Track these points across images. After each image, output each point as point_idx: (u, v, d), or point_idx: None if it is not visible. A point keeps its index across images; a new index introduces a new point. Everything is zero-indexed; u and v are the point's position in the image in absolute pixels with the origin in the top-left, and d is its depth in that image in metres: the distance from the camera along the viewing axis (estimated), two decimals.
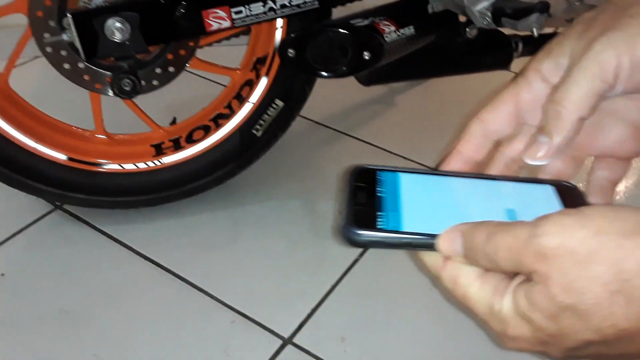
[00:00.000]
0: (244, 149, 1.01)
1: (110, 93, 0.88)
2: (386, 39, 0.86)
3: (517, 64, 1.46)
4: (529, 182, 0.42)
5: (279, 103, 0.98)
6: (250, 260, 0.98)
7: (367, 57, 0.85)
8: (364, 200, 0.41)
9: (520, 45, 1.04)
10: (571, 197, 0.40)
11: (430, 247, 0.38)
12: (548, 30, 1.08)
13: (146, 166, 0.98)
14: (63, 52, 0.86)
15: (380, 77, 1.03)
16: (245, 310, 0.91)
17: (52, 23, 0.84)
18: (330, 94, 1.32)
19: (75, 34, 0.79)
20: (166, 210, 1.04)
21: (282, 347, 0.86)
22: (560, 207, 0.40)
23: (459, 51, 1.02)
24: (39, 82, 1.30)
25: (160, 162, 0.98)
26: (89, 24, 0.79)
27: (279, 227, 1.04)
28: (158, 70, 0.90)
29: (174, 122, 1.04)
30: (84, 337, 0.86)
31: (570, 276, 0.30)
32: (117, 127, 1.02)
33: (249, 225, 1.04)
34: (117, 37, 0.79)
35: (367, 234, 0.39)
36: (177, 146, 0.99)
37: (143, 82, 0.89)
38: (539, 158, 0.39)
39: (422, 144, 1.24)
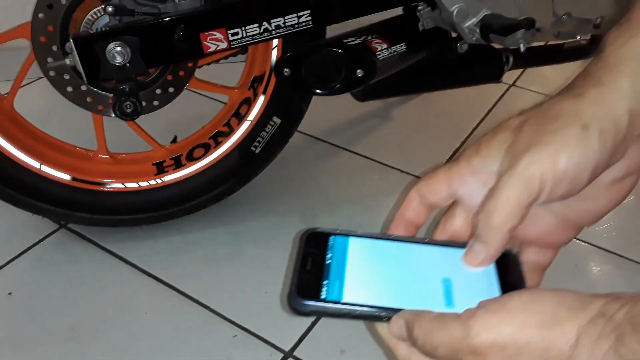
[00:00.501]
0: (243, 166, 1.03)
1: (113, 115, 0.91)
2: (379, 56, 0.88)
3: (508, 75, 1.48)
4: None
5: (277, 120, 1.01)
6: (252, 275, 1.00)
7: (360, 75, 0.88)
8: (312, 267, 0.43)
9: (511, 59, 1.06)
10: (506, 263, 0.43)
11: (375, 319, 0.40)
12: (538, 43, 1.11)
13: (148, 184, 1.00)
14: (66, 76, 0.89)
15: (375, 93, 1.05)
16: (247, 325, 0.92)
17: (54, 48, 0.86)
18: (328, 109, 1.34)
19: (77, 58, 0.81)
20: (168, 227, 1.06)
21: None
22: (495, 274, 0.42)
23: (451, 66, 1.05)
24: (42, 102, 1.33)
25: (162, 180, 1.01)
26: (91, 48, 0.81)
27: (279, 242, 1.06)
28: (158, 91, 0.93)
29: (174, 140, 1.06)
30: (91, 353, 0.88)
31: None
32: (120, 147, 1.04)
33: (249, 240, 1.06)
34: (118, 60, 0.82)
35: (310, 304, 0.40)
36: (178, 164, 1.02)
37: (144, 103, 0.92)
38: (477, 265, 0.42)
39: (418, 156, 1.26)
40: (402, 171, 1.22)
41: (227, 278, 0.99)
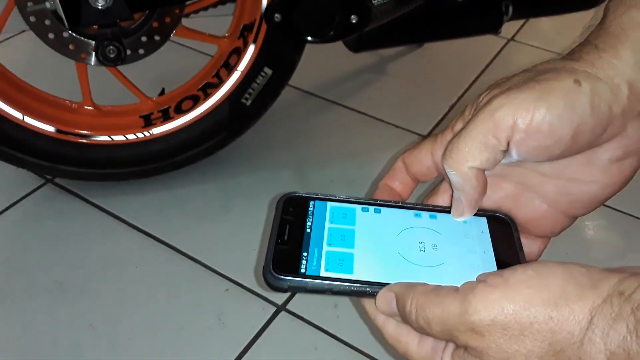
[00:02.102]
0: (234, 119, 1.00)
1: (96, 61, 0.87)
2: (374, 2, 0.85)
3: (507, 30, 1.45)
4: None
5: (268, 71, 0.97)
6: (243, 230, 0.98)
7: (354, 21, 0.85)
8: (290, 237, 0.40)
9: (511, 9, 1.03)
10: (501, 230, 0.40)
11: (361, 294, 0.37)
12: None
13: (135, 137, 0.97)
14: (47, 21, 0.85)
15: (369, 43, 1.02)
16: (239, 279, 0.91)
17: None
18: (321, 63, 1.31)
19: (57, 1, 0.78)
20: (157, 181, 1.03)
21: (275, 314, 0.86)
22: (489, 242, 0.40)
23: (449, 15, 1.01)
24: (25, 55, 1.29)
25: (149, 133, 0.98)
26: None
27: (270, 197, 1.04)
28: (144, 39, 0.89)
29: (162, 92, 1.03)
30: (79, 308, 0.86)
31: (507, 351, 0.31)
32: (106, 99, 1.01)
33: (240, 195, 1.04)
34: (100, 3, 0.78)
35: (287, 279, 0.37)
36: (166, 117, 0.99)
37: (129, 51, 0.88)
38: (462, 214, 0.40)
39: (414, 112, 1.23)
40: (396, 126, 1.19)
41: (217, 233, 0.97)
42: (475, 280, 0.34)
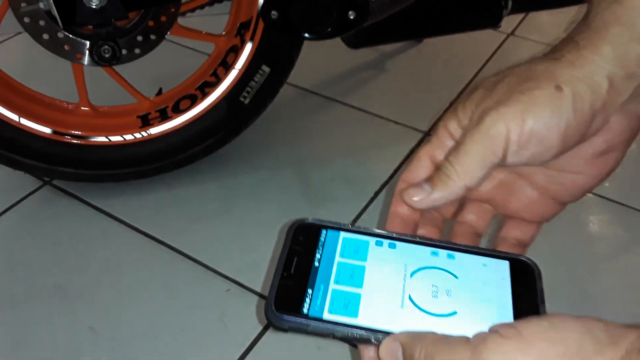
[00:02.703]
0: (232, 117, 0.99)
1: (91, 61, 0.86)
2: None
3: (507, 24, 1.44)
4: (481, 255, 0.39)
5: (266, 69, 0.96)
6: (244, 230, 0.97)
7: (352, 17, 0.84)
8: (297, 271, 0.37)
9: (510, 3, 1.02)
10: (524, 278, 0.38)
11: (366, 342, 0.35)
12: None
13: (133, 138, 0.97)
14: (41, 22, 0.84)
15: (368, 39, 1.01)
16: (240, 279, 0.90)
17: None
18: (320, 61, 1.30)
19: (51, 1, 0.77)
20: (156, 182, 1.02)
21: None
22: (509, 288, 0.37)
23: (448, 10, 1.00)
24: (21, 57, 1.28)
25: (147, 133, 0.97)
26: None
27: (270, 196, 1.03)
28: (139, 38, 0.88)
29: (160, 92, 1.02)
30: (79, 311, 0.85)
31: None
32: (103, 100, 1.00)
33: (240, 194, 1.03)
34: (95, 3, 0.77)
35: (289, 319, 0.35)
36: (164, 116, 0.98)
37: (125, 51, 0.87)
38: (413, 201, 0.39)
39: (414, 108, 1.22)
40: (397, 123, 1.18)
41: (218, 233, 0.97)
42: (487, 331, 0.32)
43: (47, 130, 0.93)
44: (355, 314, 0.35)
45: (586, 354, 0.29)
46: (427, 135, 1.16)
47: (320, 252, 0.39)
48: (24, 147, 0.92)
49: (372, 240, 0.39)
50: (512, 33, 1.45)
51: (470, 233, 0.43)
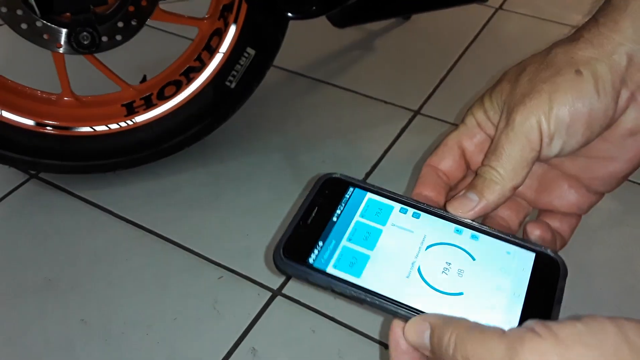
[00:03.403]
0: (219, 102, 0.97)
1: (70, 49, 0.84)
2: None
3: None
4: (507, 242, 0.38)
5: (251, 51, 0.95)
6: (235, 216, 0.96)
7: None
8: (314, 221, 0.37)
9: None
10: (545, 273, 0.36)
11: (359, 301, 0.35)
12: None
13: (119, 127, 0.95)
14: (19, 11, 0.82)
15: (354, 18, 0.99)
16: (233, 266, 0.89)
17: None
18: (307, 42, 1.28)
19: None
20: (144, 171, 1.01)
21: (272, 299, 0.85)
22: (526, 279, 0.36)
23: None
24: (1, 49, 1.25)
25: (133, 121, 0.95)
26: None
27: (261, 181, 1.02)
28: (120, 24, 0.86)
29: (144, 79, 1.00)
30: (71, 304, 0.84)
31: None
32: (86, 90, 0.98)
33: (230, 181, 1.02)
34: None
35: (293, 265, 0.36)
36: (148, 104, 0.96)
37: (105, 38, 0.85)
38: (463, 214, 0.38)
39: (403, 86, 1.21)
40: (386, 102, 1.17)
41: (208, 220, 0.95)
42: (522, 327, 0.31)
43: (30, 122, 0.91)
44: (358, 274, 0.35)
45: None
46: (417, 114, 1.14)
47: (342, 208, 0.39)
48: (7, 140, 0.90)
49: (397, 206, 0.39)
50: (500, 7, 1.43)
51: (501, 227, 0.41)
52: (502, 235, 0.38)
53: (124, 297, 0.85)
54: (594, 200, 0.42)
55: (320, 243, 0.37)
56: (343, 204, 0.39)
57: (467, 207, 0.38)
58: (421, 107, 1.16)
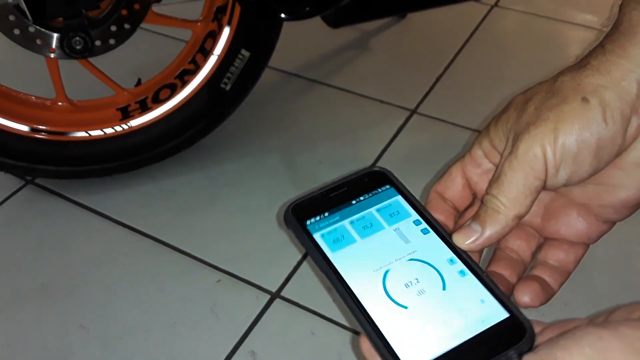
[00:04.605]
0: (214, 105, 0.97)
1: (63, 54, 0.84)
2: None
3: None
4: (492, 293, 0.35)
5: (245, 53, 0.94)
6: (232, 219, 0.96)
7: None
8: (336, 197, 0.40)
9: None
10: (505, 336, 0.34)
11: (320, 270, 0.37)
12: None
13: (114, 131, 0.95)
14: (11, 17, 0.82)
15: (348, 17, 0.99)
16: (231, 269, 0.89)
17: None
18: (302, 43, 1.27)
19: None
20: (141, 175, 1.01)
21: (270, 302, 0.84)
22: (474, 332, 0.34)
23: None
24: None
25: (128, 125, 0.95)
26: None
27: (258, 183, 1.01)
28: (113, 28, 0.86)
29: (138, 83, 1.00)
30: (68, 310, 0.84)
31: None
32: (81, 94, 0.98)
33: (227, 183, 1.02)
34: None
35: (292, 221, 0.39)
36: (144, 107, 0.96)
37: (99, 42, 0.85)
38: (466, 245, 0.38)
39: (400, 86, 1.20)
40: (383, 102, 1.17)
41: (206, 223, 0.95)
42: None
43: (25, 128, 0.90)
44: (334, 250, 0.37)
45: None
46: (414, 113, 1.14)
47: (366, 197, 0.40)
48: (1, 146, 0.90)
49: (414, 216, 0.40)
50: (496, 4, 1.43)
51: (509, 259, 0.40)
52: (490, 285, 0.36)
53: (122, 301, 0.85)
54: (604, 230, 0.41)
55: (326, 214, 0.39)
56: (370, 195, 0.40)
57: (471, 238, 0.38)
58: (418, 106, 1.15)
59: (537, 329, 0.34)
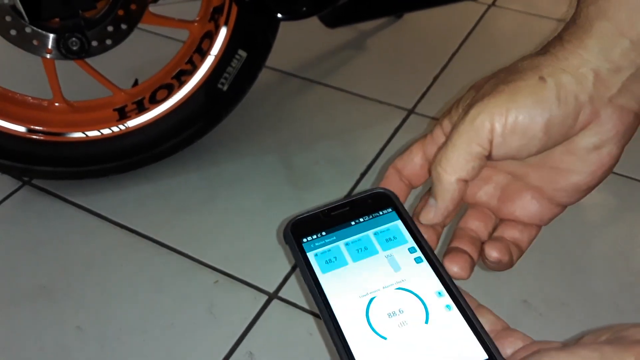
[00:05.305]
0: (211, 105, 0.97)
1: (60, 55, 0.84)
2: None
3: None
4: (475, 332, 0.35)
5: (242, 53, 0.94)
6: (229, 219, 0.96)
7: None
8: (337, 216, 0.40)
9: None
10: None
11: (307, 288, 0.37)
12: None
13: (111, 132, 0.94)
14: (7, 18, 0.82)
15: (345, 17, 0.99)
16: (228, 269, 0.89)
17: None
18: (299, 43, 1.27)
19: None
20: (138, 175, 1.00)
21: (268, 302, 0.84)
22: None
23: None
24: None
25: (125, 126, 0.95)
26: None
27: (255, 183, 1.01)
28: (110, 29, 0.86)
29: (135, 83, 1.00)
30: (66, 311, 0.84)
31: None
32: (78, 95, 0.97)
33: (224, 184, 1.02)
34: None
35: (289, 238, 0.39)
36: (141, 108, 0.96)
37: (95, 42, 0.85)
38: (430, 220, 0.40)
39: (397, 86, 1.20)
40: (380, 102, 1.17)
41: (203, 223, 0.95)
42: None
43: (21, 129, 0.90)
44: (325, 271, 0.37)
45: None
46: (411, 113, 1.14)
47: (366, 219, 0.40)
48: None
49: (410, 243, 0.39)
50: (493, 4, 1.43)
51: (470, 237, 0.42)
52: (474, 323, 0.35)
53: (119, 303, 0.85)
54: (556, 212, 0.42)
55: (324, 233, 0.39)
56: (370, 216, 0.40)
57: (429, 213, 0.39)
58: (415, 106, 1.15)
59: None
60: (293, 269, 0.88)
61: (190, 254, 0.91)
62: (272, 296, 0.85)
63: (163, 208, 0.97)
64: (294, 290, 0.85)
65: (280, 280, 0.87)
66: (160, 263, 0.89)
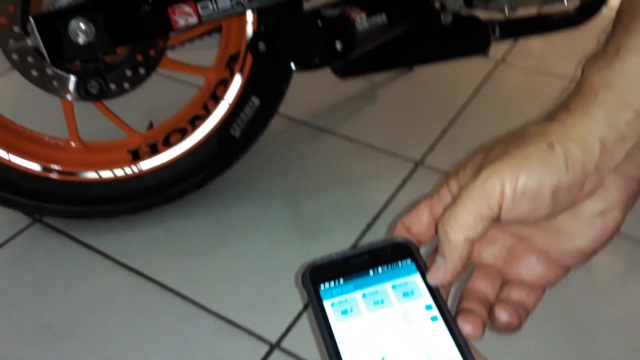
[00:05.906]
0: (223, 150, 0.99)
1: (78, 97, 0.86)
2: (358, 28, 0.84)
3: (496, 51, 1.45)
4: None
5: (256, 101, 0.96)
6: (235, 265, 0.96)
7: (339, 48, 0.84)
8: (357, 265, 0.40)
9: (498, 30, 1.02)
10: None
11: (320, 336, 0.37)
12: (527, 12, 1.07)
13: (124, 173, 0.96)
14: (29, 59, 0.84)
15: (357, 69, 1.01)
16: (231, 316, 0.88)
17: (16, 29, 0.82)
18: (311, 91, 1.30)
19: (38, 38, 0.77)
20: (148, 217, 1.01)
21: (269, 353, 0.83)
22: None
23: (435, 38, 1.01)
24: (12, 94, 1.28)
25: (138, 168, 0.96)
26: (52, 27, 0.77)
27: (262, 229, 1.02)
28: (128, 73, 0.88)
29: (150, 126, 1.02)
30: (69, 352, 0.83)
31: None
32: (93, 135, 0.99)
33: (232, 228, 1.02)
34: (82, 38, 0.77)
35: (307, 284, 0.39)
36: (154, 150, 0.97)
37: (113, 85, 0.87)
38: (439, 279, 0.39)
39: (406, 137, 1.22)
40: (389, 152, 1.18)
41: (209, 269, 0.95)
42: None
43: (36, 167, 0.92)
44: (339, 320, 0.37)
45: None
46: (419, 165, 1.15)
47: (385, 269, 0.40)
48: (13, 184, 0.91)
49: (427, 299, 0.39)
50: (503, 60, 1.45)
51: (478, 298, 0.42)
52: None
53: (122, 345, 0.84)
54: (561, 275, 0.43)
55: (341, 281, 0.39)
56: (390, 267, 0.40)
57: (438, 272, 0.39)
58: (423, 158, 1.17)
59: None
60: (296, 319, 0.88)
61: (194, 298, 0.90)
62: (274, 346, 0.84)
63: (170, 251, 0.98)
64: (297, 341, 0.85)
65: (283, 329, 0.86)
66: (164, 307, 0.89)
